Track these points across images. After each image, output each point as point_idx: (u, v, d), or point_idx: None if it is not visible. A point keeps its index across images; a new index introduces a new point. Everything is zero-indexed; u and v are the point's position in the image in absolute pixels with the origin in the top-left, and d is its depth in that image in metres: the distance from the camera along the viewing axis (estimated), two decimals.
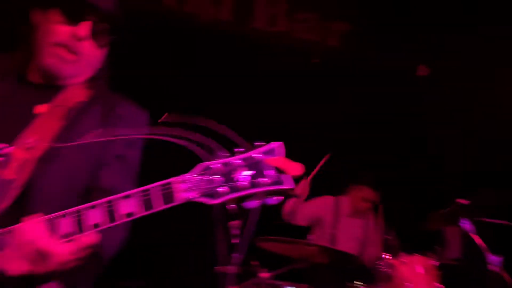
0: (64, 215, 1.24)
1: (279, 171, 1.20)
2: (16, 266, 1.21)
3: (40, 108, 1.51)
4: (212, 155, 1.21)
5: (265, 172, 1.19)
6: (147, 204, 1.22)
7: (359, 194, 4.35)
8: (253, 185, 1.18)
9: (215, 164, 1.20)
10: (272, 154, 1.21)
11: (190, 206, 1.28)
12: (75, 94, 1.55)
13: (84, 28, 1.49)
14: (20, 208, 1.38)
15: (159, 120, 1.29)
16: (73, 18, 1.49)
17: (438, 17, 4.66)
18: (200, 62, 4.15)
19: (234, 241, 3.68)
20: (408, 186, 4.84)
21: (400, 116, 4.88)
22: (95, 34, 1.51)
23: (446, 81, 5.06)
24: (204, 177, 1.19)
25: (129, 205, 1.23)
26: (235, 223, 3.77)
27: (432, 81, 5.09)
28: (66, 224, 1.24)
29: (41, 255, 1.20)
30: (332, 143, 4.49)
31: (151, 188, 1.23)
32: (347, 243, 4.19)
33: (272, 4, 4.64)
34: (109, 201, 1.24)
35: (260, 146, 1.23)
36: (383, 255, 3.47)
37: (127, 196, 1.23)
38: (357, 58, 4.83)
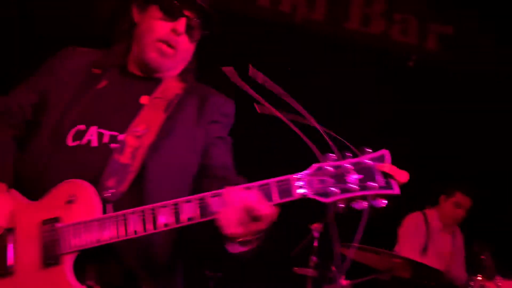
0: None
1: (387, 176, 1.28)
2: (232, 228, 1.30)
3: (144, 99, 1.62)
4: (325, 157, 1.30)
5: (374, 177, 1.28)
6: (267, 197, 1.31)
7: (452, 200, 4.10)
8: (363, 188, 1.27)
9: (328, 165, 1.29)
10: (381, 160, 1.29)
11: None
12: (172, 86, 1.66)
13: (182, 23, 1.58)
14: (137, 191, 1.49)
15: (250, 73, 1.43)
16: (172, 14, 1.59)
17: None
18: (293, 61, 4.15)
19: (315, 244, 3.65)
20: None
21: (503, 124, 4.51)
22: (189, 29, 1.61)
23: None
24: (318, 177, 1.28)
25: None
26: (317, 226, 3.73)
27: None
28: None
29: (256, 219, 1.29)
30: (423, 150, 4.27)
31: (270, 183, 1.31)
32: (435, 259, 3.96)
33: (367, 4, 4.50)
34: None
35: (369, 152, 1.31)
36: (477, 276, 3.24)
37: (247, 188, 1.32)
38: (458, 62, 4.53)
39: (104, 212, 1.43)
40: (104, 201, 1.44)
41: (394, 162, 1.29)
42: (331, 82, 4.17)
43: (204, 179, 1.57)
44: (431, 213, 4.22)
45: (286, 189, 1.29)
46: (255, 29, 4.25)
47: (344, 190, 1.26)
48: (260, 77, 1.44)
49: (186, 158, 1.59)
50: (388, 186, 1.25)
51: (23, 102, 1.61)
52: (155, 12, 1.60)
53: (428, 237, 4.13)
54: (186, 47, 1.63)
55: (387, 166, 1.26)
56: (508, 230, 4.23)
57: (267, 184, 1.30)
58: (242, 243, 1.35)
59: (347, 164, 1.27)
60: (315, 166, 1.29)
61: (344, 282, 3.37)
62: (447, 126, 4.49)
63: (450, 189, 4.13)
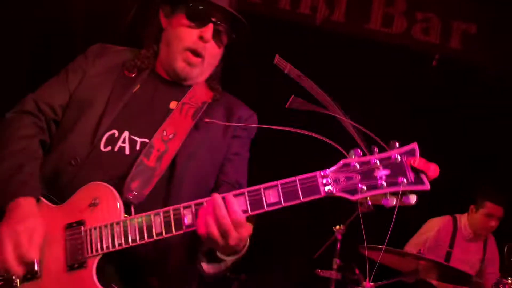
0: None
1: (417, 171, 1.22)
2: (212, 232, 1.29)
3: (173, 104, 1.63)
4: (351, 153, 1.26)
5: (404, 172, 1.22)
6: (294, 195, 1.28)
7: (482, 212, 3.96)
8: (392, 184, 1.21)
9: (355, 161, 1.24)
10: (411, 154, 1.24)
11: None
12: (201, 93, 1.67)
13: (210, 29, 1.58)
14: (161, 195, 1.49)
15: (287, 105, 1.40)
16: (199, 21, 1.59)
17: None
18: (314, 63, 4.13)
19: (338, 246, 3.61)
20: None
21: None
22: (217, 34, 1.60)
23: None
24: (344, 174, 1.24)
25: (273, 196, 1.29)
26: (339, 228, 3.69)
27: None
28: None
29: (235, 226, 1.28)
30: (450, 154, 4.18)
31: (296, 180, 1.28)
32: (460, 266, 3.86)
33: (388, 3, 4.45)
34: (256, 190, 1.31)
35: (398, 146, 1.26)
36: (508, 280, 3.15)
37: (269, 187, 1.29)
38: (482, 61, 4.43)
39: (128, 214, 1.42)
40: (128, 203, 1.44)
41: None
42: (354, 83, 4.13)
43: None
44: (463, 219, 4.09)
45: (312, 187, 1.25)
46: (276, 31, 4.26)
47: (372, 187, 1.21)
48: (289, 69, 1.45)
49: (209, 169, 1.60)
50: (419, 181, 1.20)
51: (53, 103, 1.61)
52: (182, 19, 1.60)
53: (453, 244, 4.02)
54: (214, 53, 1.64)
55: (417, 161, 1.21)
56: None
57: (292, 181, 1.27)
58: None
59: (375, 159, 1.21)
60: (342, 162, 1.25)
61: (368, 284, 3.32)
62: (473, 126, 4.39)
63: (479, 198, 3.97)
